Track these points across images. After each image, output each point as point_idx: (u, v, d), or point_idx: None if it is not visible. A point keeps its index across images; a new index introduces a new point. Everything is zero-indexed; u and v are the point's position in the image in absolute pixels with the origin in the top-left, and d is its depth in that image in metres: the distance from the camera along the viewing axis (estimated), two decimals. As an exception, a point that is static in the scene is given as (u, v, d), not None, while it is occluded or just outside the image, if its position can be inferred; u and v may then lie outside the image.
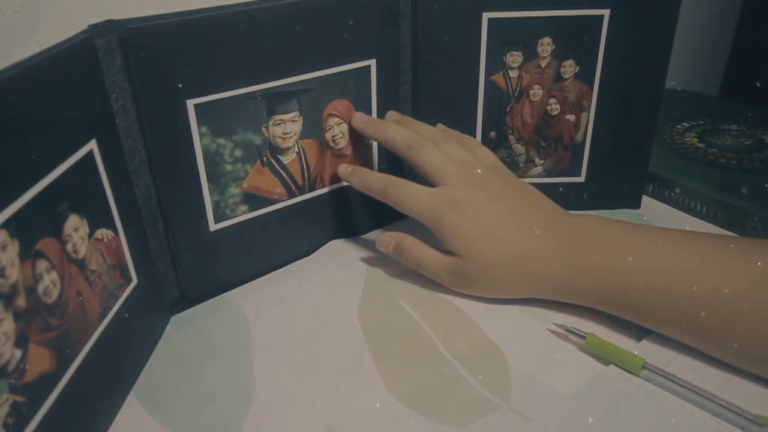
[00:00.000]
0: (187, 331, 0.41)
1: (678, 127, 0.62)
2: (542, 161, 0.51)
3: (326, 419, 0.33)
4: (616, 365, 0.36)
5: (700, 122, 0.63)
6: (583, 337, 0.37)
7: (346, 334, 0.40)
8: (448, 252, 0.41)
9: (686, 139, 0.59)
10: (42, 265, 0.27)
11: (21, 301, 0.26)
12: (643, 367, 0.35)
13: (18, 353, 0.25)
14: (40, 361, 0.27)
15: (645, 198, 0.53)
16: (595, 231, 0.39)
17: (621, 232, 0.38)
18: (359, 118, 0.45)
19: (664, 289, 0.35)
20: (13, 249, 0.25)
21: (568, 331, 0.38)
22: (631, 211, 0.52)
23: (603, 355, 0.36)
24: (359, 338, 0.39)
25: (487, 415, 0.33)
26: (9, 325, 0.25)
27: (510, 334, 0.39)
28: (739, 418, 0.32)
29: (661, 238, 0.37)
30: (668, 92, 0.69)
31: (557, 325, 0.39)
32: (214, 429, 0.33)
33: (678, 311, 0.35)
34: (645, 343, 0.37)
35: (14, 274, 0.25)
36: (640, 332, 0.38)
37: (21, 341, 0.26)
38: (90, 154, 0.32)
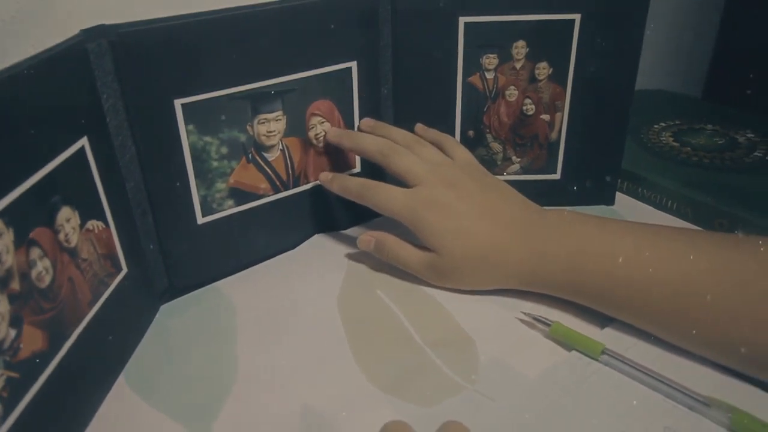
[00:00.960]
0: (176, 319, 0.43)
1: (655, 126, 0.63)
2: (519, 159, 0.53)
3: (303, 400, 0.35)
4: (578, 351, 0.38)
5: (677, 122, 0.64)
6: (549, 325, 0.39)
7: (326, 322, 0.42)
8: (426, 248, 0.43)
9: (662, 138, 0.61)
10: (35, 252, 0.30)
11: (15, 285, 0.28)
12: (603, 352, 0.37)
13: (12, 332, 0.28)
14: (33, 340, 0.29)
15: (619, 195, 0.55)
16: (563, 224, 0.41)
17: (586, 225, 0.40)
18: (333, 132, 0.47)
19: (624, 277, 0.37)
20: (8, 237, 0.28)
21: (534, 319, 0.40)
22: (605, 207, 0.54)
23: (566, 342, 0.39)
24: (338, 326, 0.41)
25: (453, 397, 0.35)
26: (4, 306, 0.27)
27: (480, 323, 0.41)
28: (689, 399, 0.34)
29: (624, 230, 0.39)
30: (648, 93, 0.71)
31: (525, 313, 0.41)
32: (198, 408, 0.35)
33: (637, 299, 0.37)
34: (608, 330, 0.39)
35: (9, 259, 0.28)
36: (604, 320, 0.40)
37: (15, 321, 0.28)
38: (81, 150, 0.34)
